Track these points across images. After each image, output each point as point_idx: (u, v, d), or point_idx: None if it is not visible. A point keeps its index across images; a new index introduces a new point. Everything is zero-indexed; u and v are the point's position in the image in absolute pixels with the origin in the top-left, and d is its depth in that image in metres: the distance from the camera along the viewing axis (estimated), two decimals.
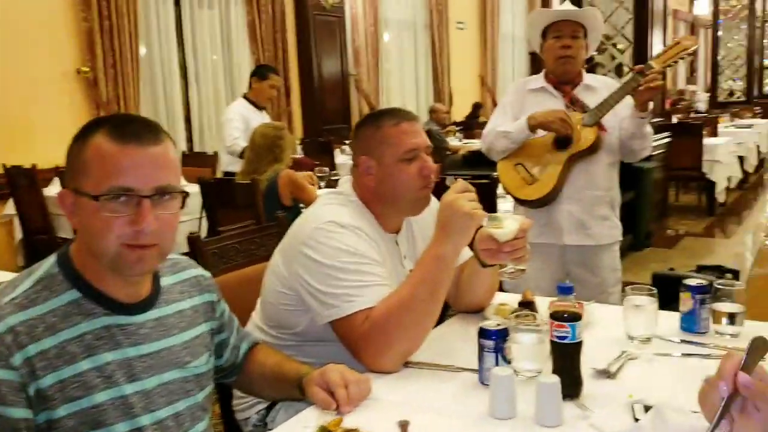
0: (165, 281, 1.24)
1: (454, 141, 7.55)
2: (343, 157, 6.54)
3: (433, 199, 1.67)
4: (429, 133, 1.59)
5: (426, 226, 1.71)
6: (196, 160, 5.36)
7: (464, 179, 3.16)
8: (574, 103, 2.58)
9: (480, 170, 4.75)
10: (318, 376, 1.26)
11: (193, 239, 1.85)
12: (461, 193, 1.42)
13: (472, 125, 8.88)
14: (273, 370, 1.39)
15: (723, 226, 6.81)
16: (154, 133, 1.10)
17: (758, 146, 8.65)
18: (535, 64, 9.84)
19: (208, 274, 1.35)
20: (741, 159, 7.91)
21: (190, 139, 6.28)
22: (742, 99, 10.24)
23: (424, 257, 1.45)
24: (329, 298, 1.43)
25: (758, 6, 10.28)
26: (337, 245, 1.46)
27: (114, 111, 5.07)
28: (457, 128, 8.24)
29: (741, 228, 6.70)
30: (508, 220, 1.51)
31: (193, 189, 3.72)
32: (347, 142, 6.89)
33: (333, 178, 4.04)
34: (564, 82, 2.62)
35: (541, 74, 2.71)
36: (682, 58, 2.41)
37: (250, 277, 1.82)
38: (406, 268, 1.64)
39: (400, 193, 1.57)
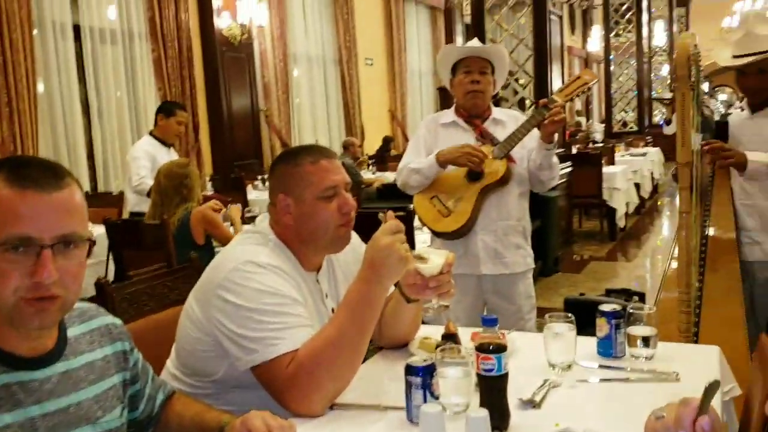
0: (72, 332, 1.16)
1: (367, 174, 7.62)
2: (255, 193, 6.45)
3: (354, 234, 1.66)
4: (344, 166, 1.60)
5: (347, 263, 1.70)
6: (100, 201, 5.13)
7: (381, 212, 3.15)
8: (484, 137, 2.65)
9: (395, 203, 4.79)
10: (240, 425, 1.20)
11: (101, 285, 1.76)
12: (395, 235, 1.40)
13: (384, 158, 9.00)
14: (193, 420, 1.32)
15: (624, 249, 7.16)
16: (56, 177, 1.03)
17: (652, 173, 9.20)
18: (443, 98, 10.12)
19: (119, 321, 1.28)
20: (637, 186, 8.38)
21: (93, 179, 6.02)
22: (635, 129, 10.88)
23: (352, 296, 1.42)
24: (250, 342, 1.38)
25: (645, 43, 11.02)
26: (257, 286, 1.41)
27: (10, 152, 4.80)
28: (370, 161, 8.32)
29: (641, 251, 7.06)
30: (433, 255, 1.51)
31: (99, 230, 3.55)
32: (259, 177, 6.81)
33: (248, 215, 3.96)
34: (474, 116, 2.69)
35: (452, 109, 2.78)
36: (583, 92, 2.53)
37: (164, 322, 1.74)
38: (328, 306, 1.61)
39: (320, 231, 1.54)
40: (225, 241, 3.47)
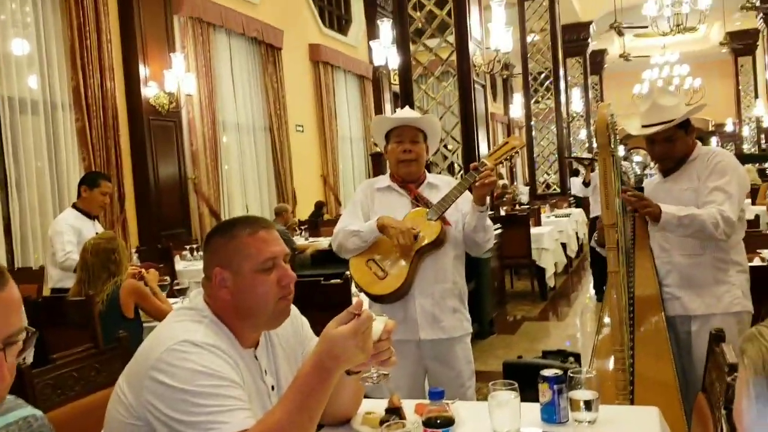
0: None
1: (300, 240, 7.56)
2: (184, 263, 6.28)
3: (292, 306, 1.62)
4: None
5: (286, 336, 1.65)
6: (19, 277, 4.84)
7: (313, 278, 3.11)
8: (418, 200, 2.70)
9: (330, 269, 4.76)
10: None
11: (20, 370, 1.64)
12: (362, 333, 1.34)
13: (317, 223, 8.98)
14: None
15: (555, 309, 7.30)
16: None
17: (576, 233, 9.51)
18: (376, 163, 10.26)
19: (39, 413, 1.18)
20: (564, 245, 8.63)
21: (10, 252, 5.73)
22: (558, 191, 11.28)
23: (304, 382, 1.35)
24: (187, 427, 1.30)
25: (563, 109, 11.57)
26: (193, 367, 1.35)
27: None
28: (303, 227, 8.28)
29: (571, 310, 7.22)
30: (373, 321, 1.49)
31: None
32: (188, 247, 6.65)
33: (176, 287, 3.84)
34: (408, 181, 2.74)
35: (388, 174, 2.83)
36: (511, 156, 2.63)
37: (92, 408, 1.63)
38: (268, 383, 1.56)
39: (259, 305, 1.49)
40: (155, 313, 3.35)
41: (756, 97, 18.08)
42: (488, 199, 2.63)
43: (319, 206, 9.81)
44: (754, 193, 10.16)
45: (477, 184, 2.55)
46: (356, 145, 12.09)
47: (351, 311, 1.36)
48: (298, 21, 10.25)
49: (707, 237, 2.52)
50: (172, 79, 7.19)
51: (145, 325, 3.38)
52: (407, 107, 3.00)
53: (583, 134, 14.93)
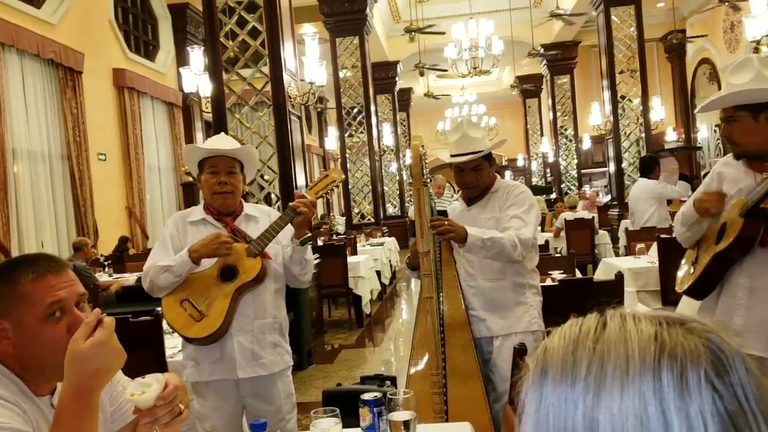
0: None
1: (104, 277, 7.03)
2: None
3: None
4: (75, 270, 1.43)
5: None
6: None
7: (120, 316, 2.90)
8: (235, 234, 2.60)
9: (138, 306, 4.47)
10: None
11: None
12: (101, 331, 1.25)
13: (122, 259, 8.41)
14: None
15: (372, 335, 7.47)
16: None
17: (390, 260, 9.87)
18: (187, 194, 9.89)
19: None
20: (378, 273, 8.90)
21: None
22: (372, 221, 11.65)
23: (70, 415, 1.23)
24: None
25: (375, 143, 12.03)
26: None
27: None
28: (107, 263, 7.71)
29: (386, 336, 7.43)
30: (155, 383, 1.35)
31: None
32: None
33: None
34: (224, 214, 2.65)
35: (201, 206, 2.71)
36: (331, 189, 2.65)
37: None
38: None
39: (47, 357, 1.33)
40: None
41: (542, 135, 20.11)
42: (308, 232, 2.62)
43: (123, 240, 9.20)
44: (542, 222, 11.26)
45: (297, 218, 2.53)
46: (165, 176, 11.56)
47: (90, 323, 1.27)
48: (101, 44, 9.66)
49: (507, 258, 2.72)
50: None
51: None
52: (223, 134, 2.91)
53: (393, 167, 15.61)
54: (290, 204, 2.57)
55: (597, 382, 0.54)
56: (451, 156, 2.89)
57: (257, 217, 2.69)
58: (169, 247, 2.59)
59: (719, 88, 13.97)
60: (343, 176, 2.75)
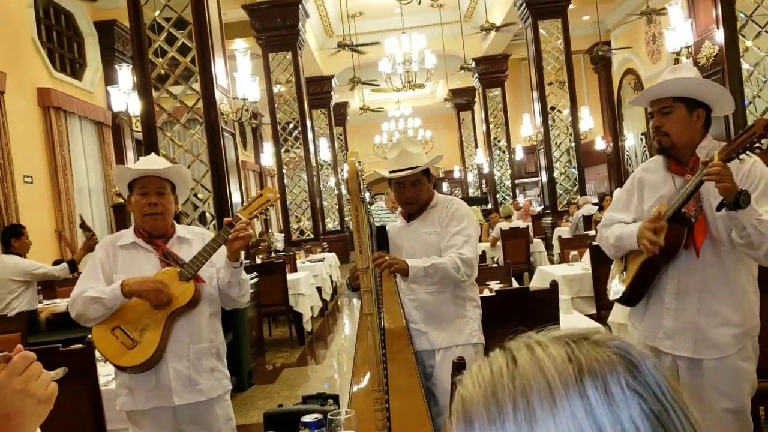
0: None
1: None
2: None
3: None
4: None
5: None
6: None
7: (50, 345, 2.77)
8: (167, 257, 2.54)
9: (69, 333, 4.30)
10: None
11: None
12: (25, 376, 1.07)
13: (51, 284, 8.07)
14: None
15: (313, 353, 7.40)
16: None
17: (330, 276, 9.81)
18: (119, 216, 9.60)
19: None
20: (319, 289, 8.83)
21: None
22: (312, 236, 11.56)
23: None
24: None
25: (312, 158, 11.97)
26: None
27: None
28: (37, 288, 7.38)
29: (328, 352, 7.37)
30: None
31: None
32: None
33: None
34: (156, 237, 2.58)
35: (131, 229, 2.63)
36: (266, 209, 2.61)
37: None
38: None
39: None
40: None
41: (476, 147, 20.47)
42: (242, 253, 2.58)
43: (55, 264, 8.84)
44: (479, 232, 11.45)
45: (231, 238, 2.49)
46: (96, 197, 11.18)
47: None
48: (24, 63, 9.30)
49: (452, 281, 2.75)
50: None
51: None
52: (153, 154, 2.83)
53: (332, 182, 15.58)
54: (225, 220, 2.52)
55: (527, 418, 0.54)
56: (391, 172, 2.90)
57: (190, 239, 2.63)
58: (99, 274, 2.50)
59: None
60: (278, 195, 2.71)
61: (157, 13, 6.08)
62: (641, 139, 15.34)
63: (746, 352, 2.37)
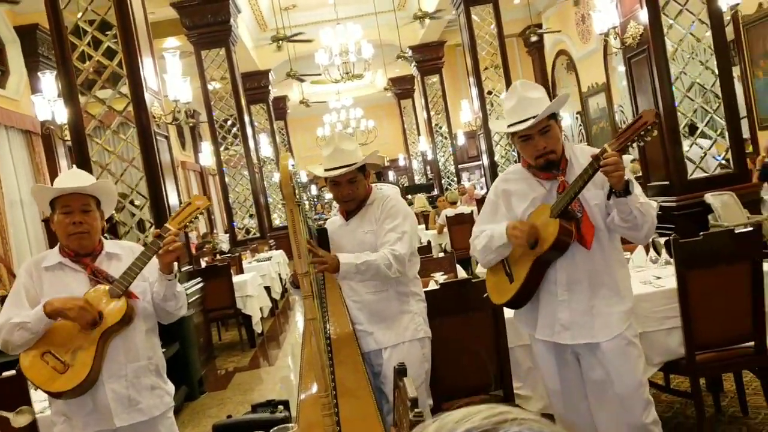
0: None
1: None
2: None
3: None
4: None
5: None
6: None
7: None
8: (97, 275, 2.44)
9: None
10: None
11: None
12: None
13: None
14: None
15: (266, 354, 7.31)
16: None
17: (279, 274, 9.70)
18: (51, 229, 9.24)
19: None
20: (268, 289, 8.72)
21: None
22: (258, 235, 11.39)
23: None
24: None
25: (253, 154, 11.77)
26: None
27: None
28: None
29: (281, 352, 7.29)
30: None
31: None
32: None
33: None
34: (83, 255, 2.47)
35: (57, 249, 2.52)
36: (196, 217, 2.53)
37: None
38: None
39: None
40: None
41: (419, 134, 20.54)
42: (175, 265, 2.49)
43: None
44: (426, 219, 11.48)
45: (161, 251, 2.41)
46: (29, 210, 10.73)
47: None
48: None
49: (383, 277, 2.74)
50: None
51: None
52: (75, 169, 2.71)
53: (276, 177, 15.37)
54: (153, 232, 2.43)
55: None
56: (326, 170, 2.86)
57: (119, 254, 2.53)
58: (23, 300, 2.38)
59: (577, 78, 14.84)
60: (209, 202, 2.63)
61: (79, 15, 5.84)
62: (577, 119, 15.65)
63: (633, 329, 2.54)
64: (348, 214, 2.96)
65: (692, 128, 6.10)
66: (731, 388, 3.60)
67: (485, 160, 10.98)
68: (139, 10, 6.11)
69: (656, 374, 3.09)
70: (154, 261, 2.45)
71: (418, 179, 21.61)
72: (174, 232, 2.41)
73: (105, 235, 5.83)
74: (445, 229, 9.23)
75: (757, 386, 3.44)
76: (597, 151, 2.40)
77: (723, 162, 6.06)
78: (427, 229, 10.78)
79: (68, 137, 7.09)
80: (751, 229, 3.08)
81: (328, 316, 2.80)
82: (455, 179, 16.04)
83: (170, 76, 6.19)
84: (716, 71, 5.88)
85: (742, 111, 8.31)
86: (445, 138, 16.20)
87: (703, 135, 6.20)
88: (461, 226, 8.82)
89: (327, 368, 2.59)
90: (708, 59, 5.96)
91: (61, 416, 2.43)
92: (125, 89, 5.81)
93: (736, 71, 8.89)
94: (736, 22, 8.92)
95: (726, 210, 5.64)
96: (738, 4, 6.45)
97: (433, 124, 16.21)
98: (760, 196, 6.23)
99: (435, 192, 16.52)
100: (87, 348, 2.32)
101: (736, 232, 3.05)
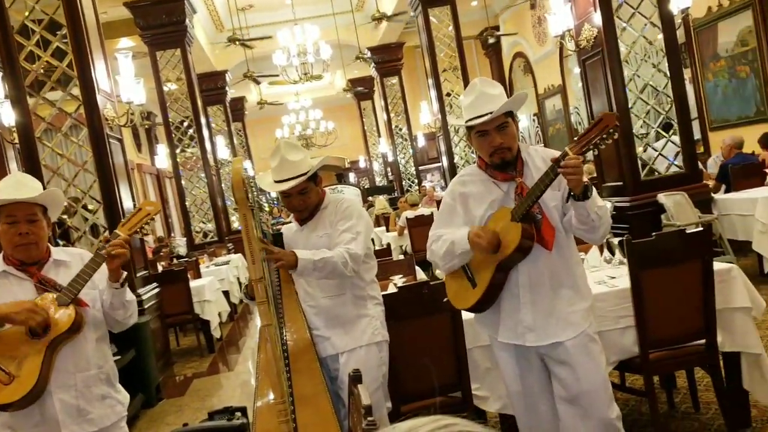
0: None
1: None
2: None
3: None
4: None
5: None
6: None
7: None
8: (44, 284, 2.36)
9: None
10: None
11: None
12: None
13: None
14: None
15: (225, 359, 7.20)
16: None
17: (238, 278, 9.57)
18: None
19: None
20: (226, 293, 8.60)
21: None
22: (216, 238, 11.22)
23: None
24: None
25: (210, 156, 11.59)
26: None
27: None
28: None
29: (241, 357, 7.20)
30: None
31: None
32: None
33: None
34: (29, 264, 2.39)
35: (0, 257, 2.43)
36: (147, 223, 2.47)
37: None
38: None
39: None
40: None
41: (379, 136, 20.53)
42: (124, 273, 2.43)
43: None
44: (386, 222, 11.47)
45: (105, 255, 2.34)
46: None
47: None
48: None
49: (339, 275, 2.72)
50: None
51: None
52: (18, 177, 2.61)
53: None
54: (103, 242, 2.36)
55: None
56: (275, 182, 2.81)
57: (68, 261, 2.45)
58: None
59: (534, 79, 15.03)
60: (159, 207, 2.57)
61: (26, 14, 5.67)
62: (533, 120, 15.86)
63: (593, 326, 2.57)
64: (302, 220, 2.94)
65: (667, 126, 6.17)
66: (684, 384, 3.68)
67: (445, 161, 11.03)
68: (90, 10, 5.97)
69: (612, 373, 3.13)
70: (105, 268, 2.39)
71: (379, 181, 21.60)
72: (122, 237, 2.35)
73: (56, 240, 5.67)
74: (406, 231, 9.24)
75: (708, 382, 3.52)
76: (554, 153, 2.42)
77: (675, 164, 6.19)
78: (387, 231, 10.78)
79: (17, 140, 6.89)
80: (702, 229, 3.15)
81: (285, 323, 2.76)
82: (416, 181, 16.09)
83: (123, 78, 6.05)
84: (668, 73, 6.02)
85: (693, 112, 8.52)
86: (405, 140, 16.23)
87: (658, 136, 6.33)
88: (422, 227, 8.83)
89: (283, 375, 2.55)
90: (660, 61, 6.09)
91: (6, 429, 2.35)
92: (76, 91, 5.67)
93: (687, 74, 9.12)
94: (687, 26, 9.15)
95: (678, 209, 5.78)
96: (688, 8, 6.60)
97: (393, 126, 16.23)
98: (711, 196, 6.39)
99: (396, 194, 16.55)
100: (33, 357, 2.24)
101: (687, 232, 3.11)
